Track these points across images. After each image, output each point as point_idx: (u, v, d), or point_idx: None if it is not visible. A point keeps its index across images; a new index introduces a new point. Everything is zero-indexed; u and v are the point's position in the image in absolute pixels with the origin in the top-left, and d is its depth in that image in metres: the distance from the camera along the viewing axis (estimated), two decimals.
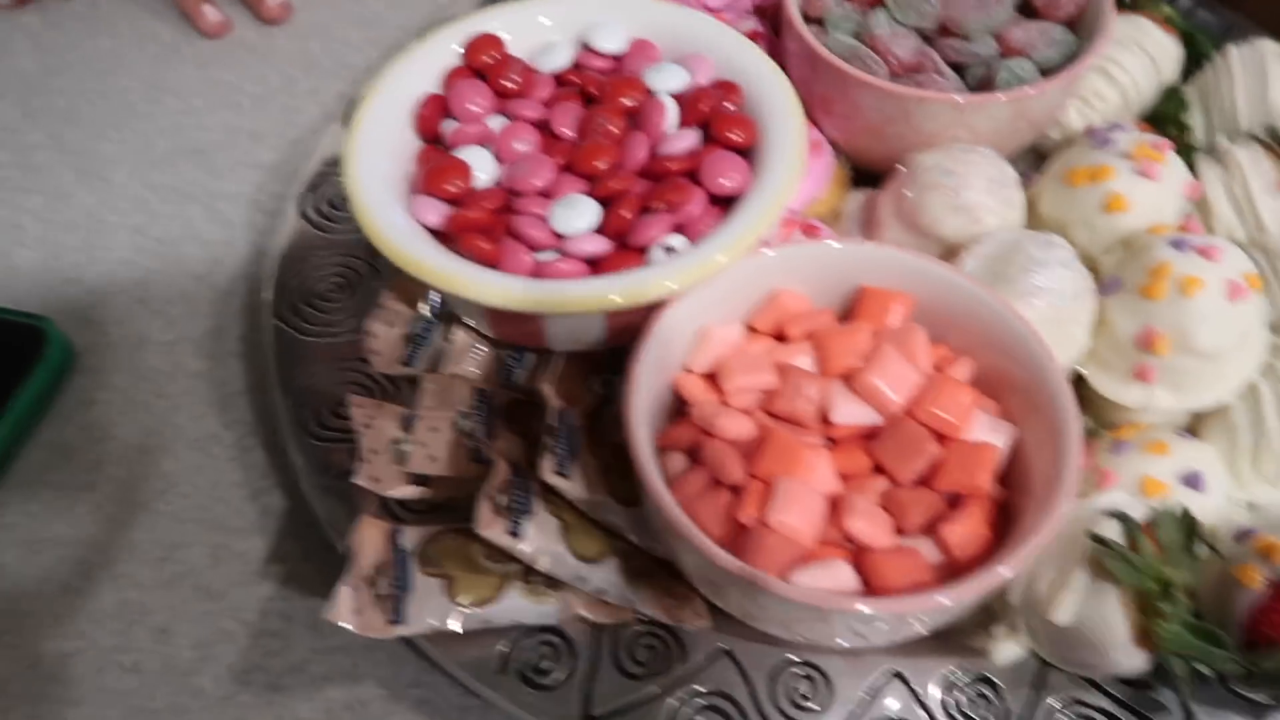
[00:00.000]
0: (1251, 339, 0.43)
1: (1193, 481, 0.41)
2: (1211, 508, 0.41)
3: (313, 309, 0.51)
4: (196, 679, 0.44)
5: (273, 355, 0.49)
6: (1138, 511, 0.39)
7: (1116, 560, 0.36)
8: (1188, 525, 0.38)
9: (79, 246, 0.59)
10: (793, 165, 0.43)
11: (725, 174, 0.43)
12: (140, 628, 0.45)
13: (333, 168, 0.57)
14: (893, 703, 0.40)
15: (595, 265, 0.42)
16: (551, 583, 0.40)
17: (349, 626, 0.38)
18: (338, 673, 0.44)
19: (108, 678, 0.44)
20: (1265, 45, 0.53)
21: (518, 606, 0.40)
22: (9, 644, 0.44)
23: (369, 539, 0.41)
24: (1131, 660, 0.38)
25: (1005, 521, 0.40)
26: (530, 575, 0.40)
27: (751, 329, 0.45)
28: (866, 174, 0.56)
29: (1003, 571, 0.35)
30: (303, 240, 0.54)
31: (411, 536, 0.41)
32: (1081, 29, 0.54)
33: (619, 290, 0.40)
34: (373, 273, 0.53)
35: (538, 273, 0.42)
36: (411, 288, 0.50)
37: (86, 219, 0.60)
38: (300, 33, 0.71)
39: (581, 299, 0.40)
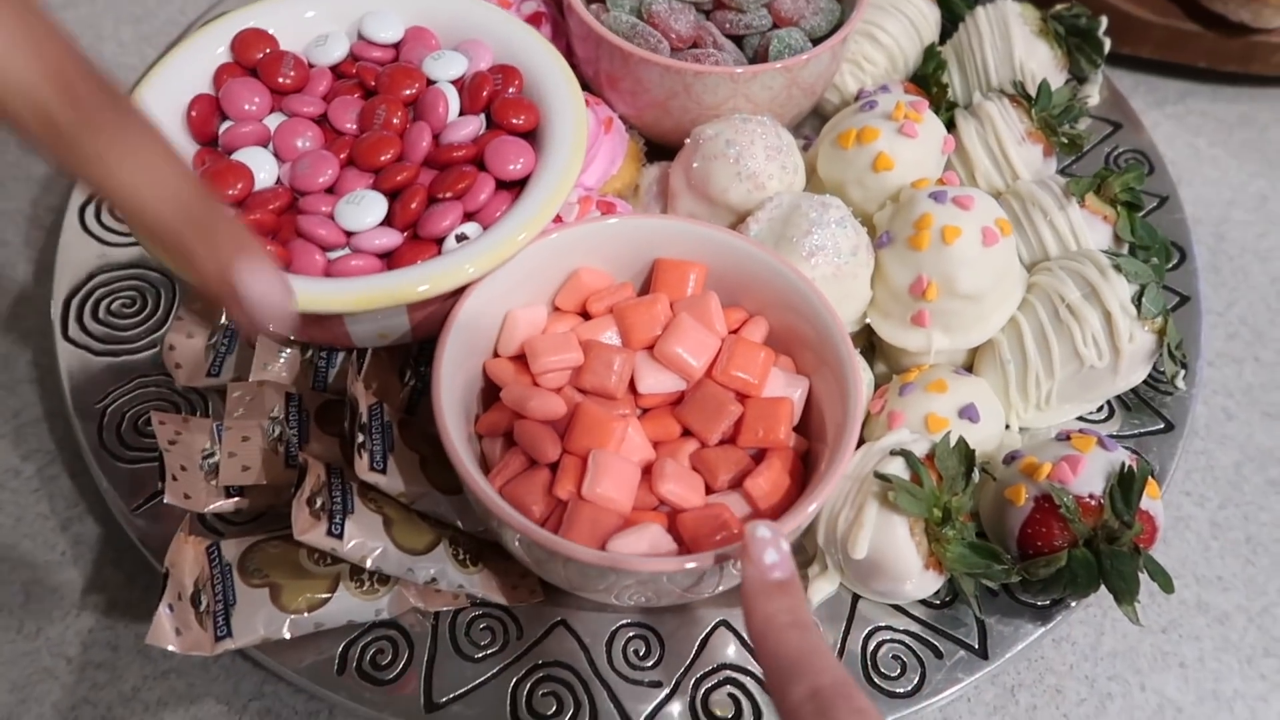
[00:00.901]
0: (1009, 279, 0.48)
1: (969, 414, 0.45)
2: (985, 436, 0.46)
3: (105, 326, 0.49)
4: None
5: (66, 377, 0.47)
6: (922, 447, 0.43)
7: (902, 493, 0.40)
8: (964, 455, 0.42)
9: None
10: (576, 145, 0.44)
11: (511, 159, 0.44)
12: None
13: None
14: (721, 652, 0.43)
15: (389, 259, 0.43)
16: (381, 578, 0.41)
17: (172, 648, 0.37)
18: (173, 696, 0.43)
19: None
20: (1008, 6, 0.58)
21: (349, 606, 0.40)
22: None
23: (186, 556, 0.40)
24: (926, 584, 0.42)
25: (806, 469, 0.43)
26: (359, 573, 0.41)
27: (556, 308, 0.46)
28: (660, 148, 0.58)
29: (800, 515, 0.38)
30: (87, 255, 0.51)
31: (231, 549, 0.41)
32: None
33: (422, 281, 0.40)
34: (166, 284, 0.51)
35: (330, 271, 0.41)
36: None
37: None
38: (69, 30, 0.66)
39: (379, 294, 0.40)
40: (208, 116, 0.45)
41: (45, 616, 0.45)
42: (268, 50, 0.46)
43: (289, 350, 0.47)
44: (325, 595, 0.40)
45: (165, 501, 0.41)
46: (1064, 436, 0.44)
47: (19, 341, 0.53)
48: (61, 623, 0.45)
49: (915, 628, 0.43)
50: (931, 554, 0.41)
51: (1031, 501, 0.41)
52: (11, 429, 0.50)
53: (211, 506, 0.42)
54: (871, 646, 0.43)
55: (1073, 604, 0.44)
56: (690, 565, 0.36)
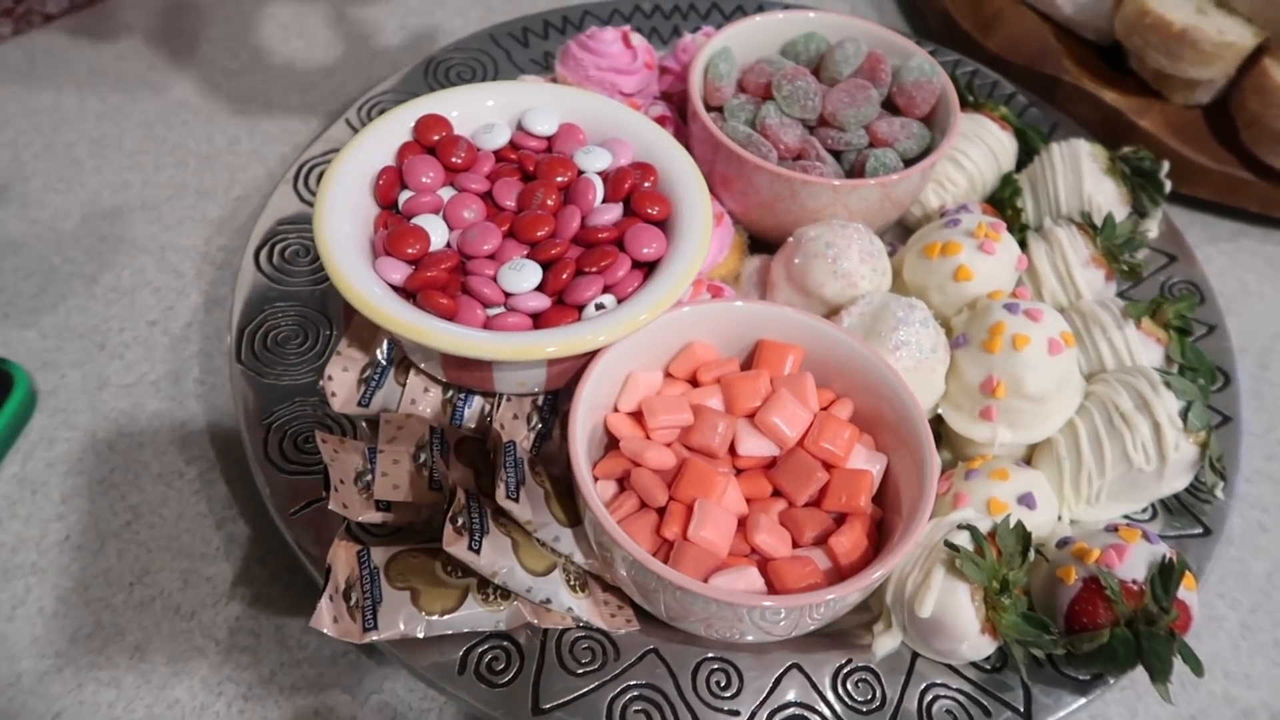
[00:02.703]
0: (1070, 385, 0.54)
1: (1027, 501, 0.51)
2: (1041, 522, 0.51)
3: (271, 353, 0.56)
4: (171, 691, 0.48)
5: (238, 396, 0.54)
6: (984, 525, 0.48)
7: (967, 562, 0.45)
8: (1022, 536, 0.48)
9: (33, 294, 0.62)
10: (703, 236, 0.52)
11: (646, 243, 0.51)
12: (116, 646, 0.49)
13: (284, 226, 0.62)
14: (793, 690, 0.48)
15: (537, 319, 0.50)
16: (503, 594, 0.47)
17: (329, 632, 0.43)
18: (304, 683, 0.49)
19: (86, 693, 0.47)
20: (1080, 145, 0.66)
21: (475, 614, 0.46)
22: None
23: (341, 558, 0.46)
24: (980, 647, 0.47)
25: (880, 535, 0.49)
26: (485, 587, 0.46)
27: (669, 375, 0.53)
28: (760, 242, 0.65)
29: (878, 573, 0.43)
30: (259, 291, 0.59)
31: (378, 555, 0.47)
32: (934, 124, 0.65)
33: (559, 341, 0.47)
34: (324, 321, 0.58)
35: (489, 325, 0.49)
36: (366, 336, 0.56)
37: (40, 266, 0.63)
38: (242, 97, 0.76)
39: (527, 349, 0.47)
40: (391, 185, 0.53)
41: (199, 602, 0.51)
42: (444, 133, 0.54)
43: (433, 390, 0.54)
44: (456, 604, 0.46)
45: (329, 508, 0.47)
46: (1112, 528, 0.49)
47: (188, 361, 0.60)
48: (213, 609, 0.51)
49: (967, 688, 0.48)
50: (988, 620, 0.46)
51: (1080, 582, 0.47)
52: (179, 436, 0.57)
53: (363, 517, 0.48)
54: (927, 700, 0.48)
55: (1111, 681, 0.48)
56: (785, 605, 0.42)
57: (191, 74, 0.76)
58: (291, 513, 0.50)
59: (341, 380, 0.55)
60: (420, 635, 0.45)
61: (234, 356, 0.56)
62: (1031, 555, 0.48)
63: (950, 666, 0.49)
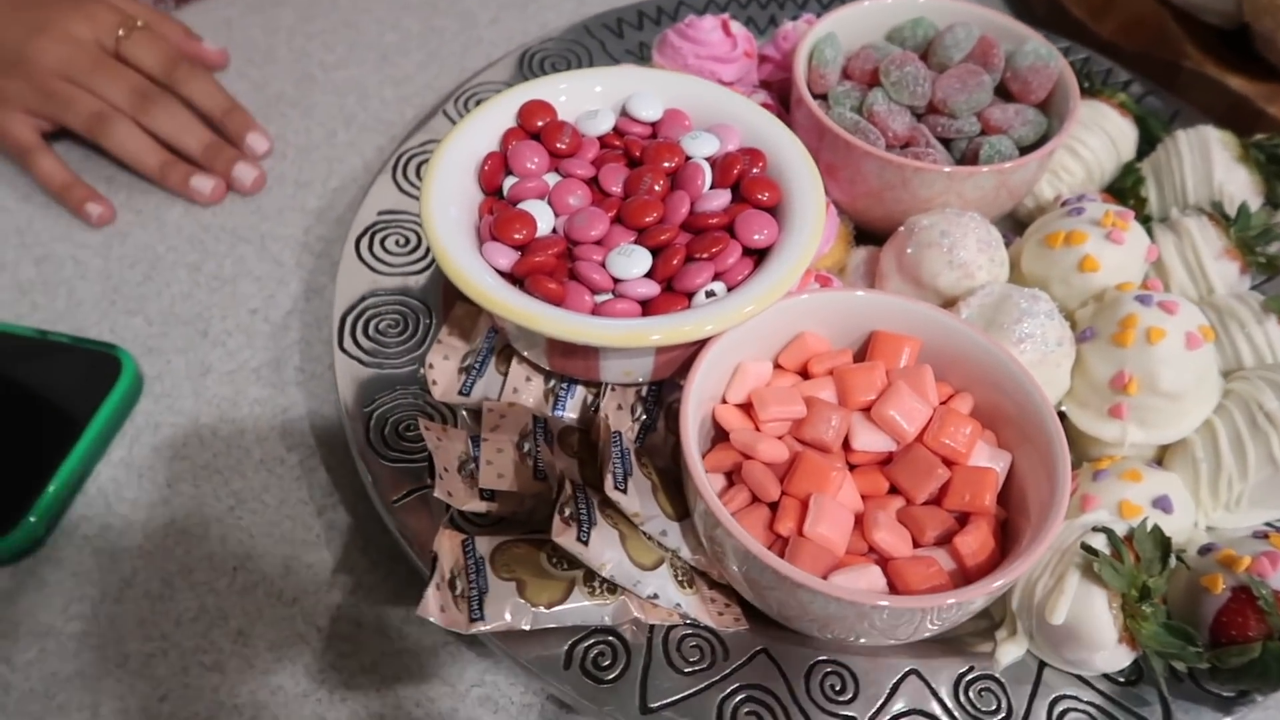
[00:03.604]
0: (1207, 382, 0.51)
1: (1163, 504, 0.48)
2: (1178, 528, 0.48)
3: (373, 342, 0.56)
4: (275, 677, 0.48)
5: (340, 384, 0.54)
6: (1119, 529, 0.45)
7: (1105, 567, 0.42)
8: (1161, 540, 0.45)
9: (139, 281, 0.63)
10: (816, 222, 0.50)
11: (758, 229, 0.49)
12: (219, 631, 0.49)
13: (384, 215, 0.62)
14: (910, 698, 0.45)
15: (646, 307, 0.48)
16: (610, 588, 0.45)
17: (436, 621, 0.43)
18: (406, 673, 0.48)
19: (191, 676, 0.47)
20: (1209, 132, 0.62)
21: (582, 608, 0.44)
22: (94, 644, 0.48)
23: (446, 547, 0.45)
24: (1117, 657, 0.44)
25: (1004, 537, 0.46)
26: (590, 580, 0.45)
27: (779, 366, 0.51)
28: (866, 233, 0.63)
29: (1009, 576, 0.41)
30: (360, 280, 0.59)
31: (483, 545, 0.46)
32: (1051, 111, 0.62)
33: (666, 329, 0.45)
34: (424, 310, 0.58)
35: (597, 312, 0.47)
36: (467, 324, 0.56)
37: (145, 254, 0.64)
38: (339, 89, 0.76)
39: (636, 335, 0.45)
40: (496, 171, 0.52)
41: (301, 589, 0.51)
42: (548, 119, 0.54)
43: (535, 379, 0.53)
44: (563, 596, 0.44)
45: (434, 495, 0.46)
46: (1262, 535, 0.46)
47: (289, 349, 0.60)
48: (314, 596, 0.50)
49: (1100, 700, 0.45)
50: (1126, 629, 0.43)
51: (1229, 591, 0.43)
52: (280, 423, 0.57)
53: (468, 506, 0.47)
54: (1057, 712, 0.45)
55: (1259, 699, 0.45)
56: (910, 607, 0.40)
57: (289, 67, 0.77)
58: (394, 501, 0.49)
59: (442, 368, 0.54)
60: (527, 627, 0.44)
61: (336, 343, 0.55)
62: (1172, 561, 0.45)
63: (1081, 678, 0.46)
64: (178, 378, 0.58)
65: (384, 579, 0.51)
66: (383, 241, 0.61)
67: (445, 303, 0.57)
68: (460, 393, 0.53)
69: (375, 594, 0.51)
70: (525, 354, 0.52)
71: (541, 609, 0.44)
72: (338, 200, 0.69)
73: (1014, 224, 0.66)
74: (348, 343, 0.56)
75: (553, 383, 0.53)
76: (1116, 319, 0.51)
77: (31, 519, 0.50)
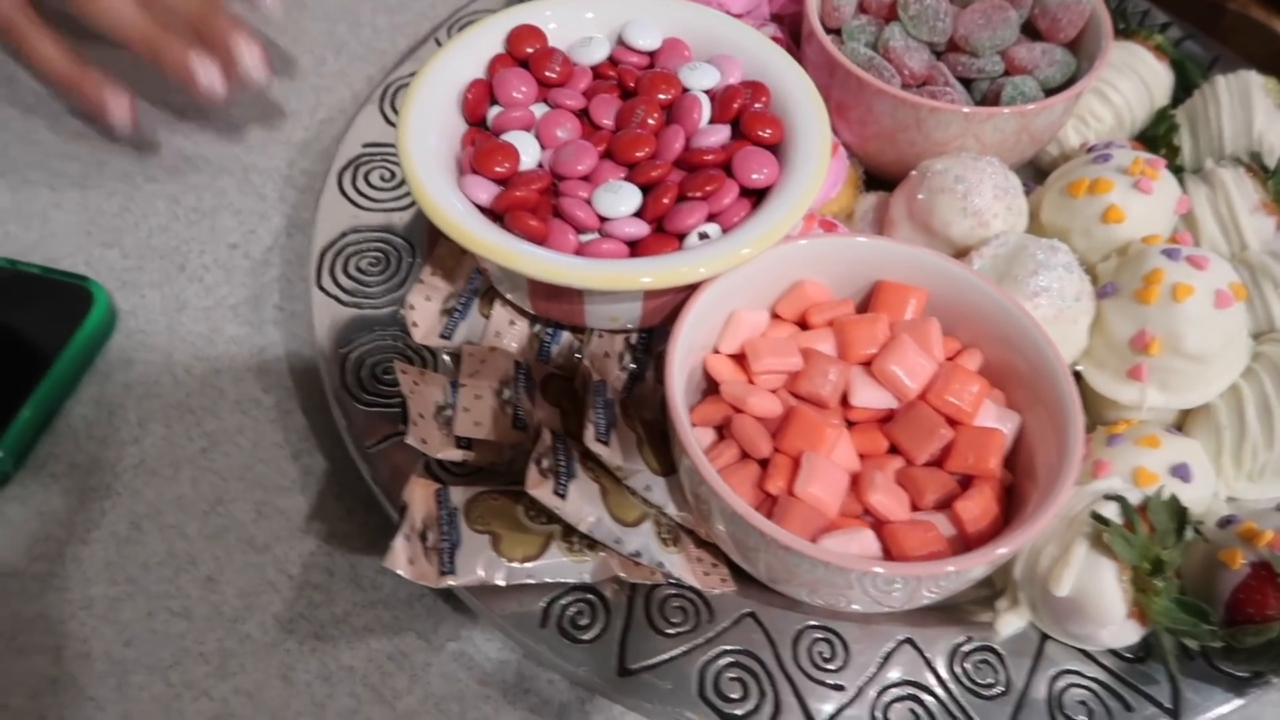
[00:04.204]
0: (1236, 344, 0.47)
1: (1181, 473, 0.45)
2: (1196, 498, 0.45)
3: (353, 280, 0.53)
4: (243, 625, 0.46)
5: (317, 323, 0.51)
6: (1133, 498, 0.43)
7: (1116, 537, 0.40)
8: (1177, 511, 0.42)
9: (116, 212, 0.60)
10: (819, 162, 0.46)
11: (757, 168, 0.46)
12: (188, 576, 0.47)
13: (369, 148, 0.59)
14: (904, 668, 0.43)
15: (634, 247, 0.45)
16: (590, 544, 0.43)
17: (404, 574, 0.40)
18: (378, 625, 0.46)
19: (157, 621, 0.46)
20: (1251, 77, 0.58)
21: (559, 564, 0.42)
22: (59, 586, 0.46)
23: (418, 496, 0.43)
24: (1125, 633, 0.41)
25: (1009, 503, 0.44)
26: (569, 535, 0.43)
27: (776, 315, 0.48)
28: (877, 179, 0.59)
29: (1012, 545, 0.38)
30: (341, 216, 0.56)
31: (457, 495, 0.44)
32: (1081, 51, 0.58)
33: (655, 271, 0.43)
34: (409, 249, 0.55)
35: (581, 252, 0.44)
36: (450, 264, 0.53)
37: (123, 185, 0.62)
38: (330, 15, 0.73)
39: (621, 278, 0.42)
40: (480, 100, 0.49)
41: (273, 535, 0.49)
42: (538, 46, 0.50)
43: (519, 323, 0.50)
44: (539, 551, 0.42)
45: (407, 441, 0.44)
46: None
47: (268, 286, 0.58)
48: (286, 543, 0.48)
49: (1104, 677, 0.43)
50: (1136, 604, 0.41)
51: (1248, 567, 0.41)
52: (256, 363, 0.55)
53: (443, 454, 0.45)
54: (1058, 687, 0.43)
55: (1274, 680, 0.42)
56: (904, 574, 0.37)
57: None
58: (368, 447, 0.47)
59: (424, 310, 0.51)
60: (501, 583, 0.42)
61: (314, 281, 0.53)
62: (1189, 534, 0.42)
63: (1085, 653, 0.44)
64: (152, 313, 0.56)
65: (359, 527, 0.49)
66: (366, 175, 0.58)
67: (429, 241, 0.54)
68: (441, 335, 0.51)
69: (349, 542, 0.49)
70: (509, 297, 0.49)
71: (516, 564, 0.42)
72: (324, 132, 0.66)
73: (1036, 173, 0.62)
74: (326, 280, 0.53)
75: (538, 327, 0.50)
76: (1140, 274, 0.47)
77: None
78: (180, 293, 0.57)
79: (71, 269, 0.56)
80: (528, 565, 0.42)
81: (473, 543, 0.42)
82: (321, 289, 0.53)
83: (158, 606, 0.46)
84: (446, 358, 0.51)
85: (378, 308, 0.52)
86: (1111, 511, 0.41)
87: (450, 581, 0.41)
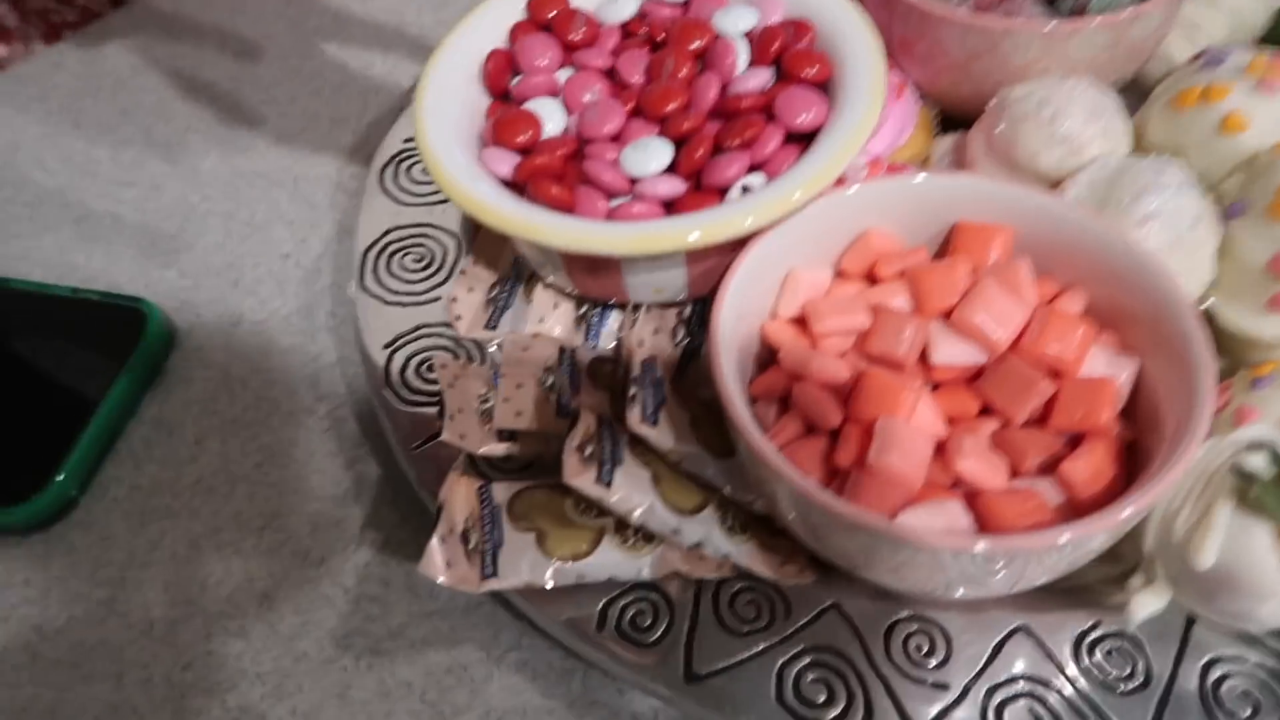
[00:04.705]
0: None
1: None
2: None
3: (396, 278, 0.51)
4: (300, 643, 0.44)
5: (361, 324, 0.49)
6: None
7: (1267, 493, 0.33)
8: None
9: (174, 234, 0.60)
10: (872, 97, 0.41)
11: (801, 109, 0.41)
12: (244, 594, 0.45)
13: (411, 143, 0.57)
14: (1021, 660, 0.37)
15: (671, 208, 0.41)
16: (646, 537, 0.39)
17: (441, 580, 0.38)
18: (436, 637, 0.44)
19: (215, 643, 0.44)
20: None
21: (613, 560, 0.39)
22: (120, 611, 0.45)
23: (459, 495, 0.40)
24: None
25: (1131, 462, 0.37)
26: (623, 528, 0.39)
27: (840, 273, 0.43)
28: (953, 121, 0.53)
29: (1135, 506, 0.32)
30: (384, 214, 0.54)
31: (500, 492, 0.40)
32: None
33: (695, 227, 0.38)
34: (453, 242, 0.53)
35: (612, 217, 0.41)
36: (492, 252, 0.50)
37: (180, 206, 0.61)
38: (375, 19, 0.71)
39: (656, 238, 0.38)
40: (502, 70, 0.46)
41: (328, 548, 0.47)
42: (559, 8, 0.47)
43: (564, 305, 0.47)
44: (589, 547, 0.39)
45: (443, 438, 0.41)
46: None
47: (320, 294, 0.56)
48: (342, 555, 0.46)
49: (1271, 661, 0.36)
50: None
51: None
52: (310, 371, 0.53)
53: (484, 449, 0.42)
54: (1213, 678, 0.36)
55: None
56: (1003, 549, 0.32)
57: (325, 2, 0.73)
58: (414, 448, 0.45)
59: (467, 302, 0.49)
60: (549, 584, 0.38)
61: (357, 281, 0.51)
62: None
63: (1244, 634, 0.37)
64: (209, 330, 0.55)
65: (414, 534, 0.47)
66: (409, 170, 0.56)
67: (472, 230, 0.52)
68: (487, 327, 0.48)
69: (404, 550, 0.46)
70: (549, 279, 0.46)
71: (564, 563, 0.38)
72: (374, 135, 0.64)
73: (1140, 97, 0.55)
74: (369, 281, 0.51)
75: (584, 309, 0.47)
76: (1273, 186, 0.40)
77: (60, 478, 0.48)
78: (235, 307, 0.56)
79: (133, 293, 0.56)
80: (577, 564, 0.38)
81: (516, 542, 0.38)
82: (365, 289, 0.51)
83: (215, 627, 0.45)
84: (494, 350, 0.48)
85: (421, 304, 0.50)
86: (1259, 464, 0.34)
87: (494, 585, 0.38)
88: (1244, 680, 0.36)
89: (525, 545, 0.38)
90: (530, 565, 0.38)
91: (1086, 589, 0.40)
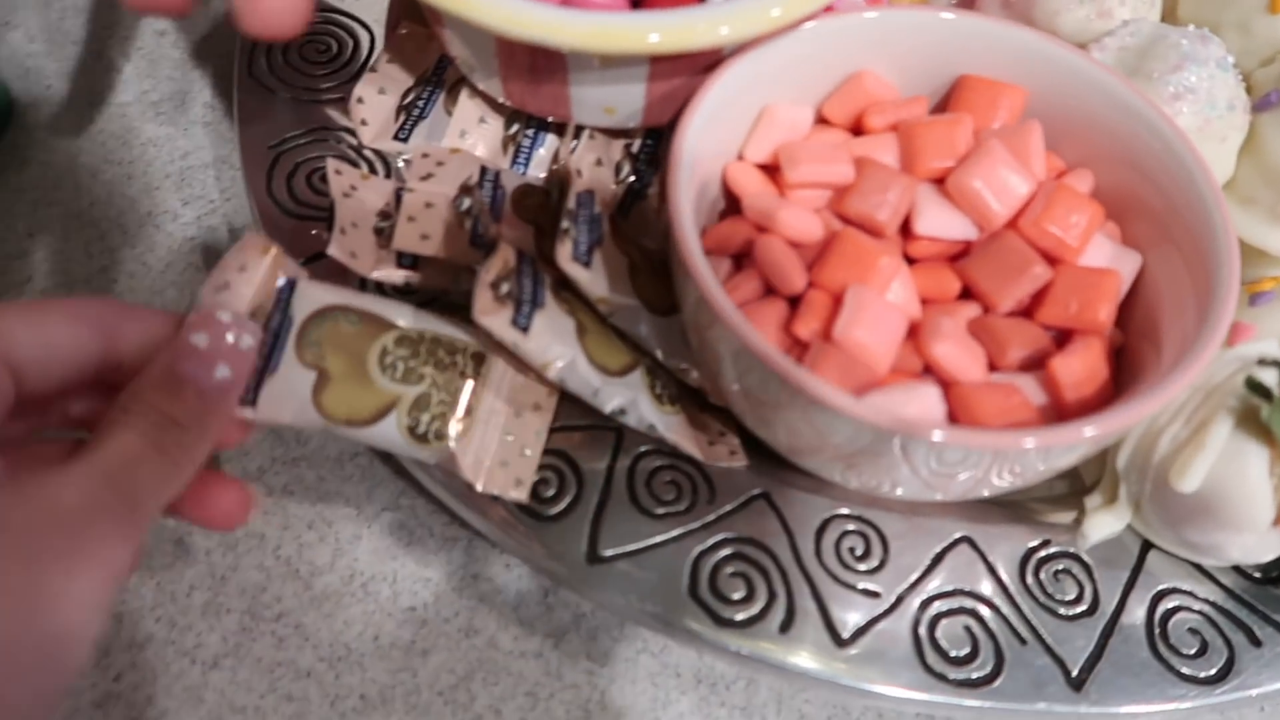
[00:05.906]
0: None
1: None
2: None
3: (292, 68, 0.43)
4: None
5: (240, 118, 0.41)
6: None
7: (1277, 415, 0.29)
8: None
9: None
10: None
11: None
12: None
13: None
14: (958, 573, 0.33)
15: (637, 5, 0.34)
16: (437, 434, 0.31)
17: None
18: (300, 486, 0.37)
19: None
20: None
21: (393, 442, 0.31)
22: None
23: (257, 269, 0.30)
24: (1265, 544, 0.31)
25: (1120, 369, 0.33)
26: (417, 410, 0.31)
27: (823, 119, 0.37)
28: None
29: (1140, 411, 0.28)
30: None
31: (303, 300, 0.31)
32: None
33: (657, 28, 0.31)
34: (366, 33, 0.44)
35: (569, 4, 0.33)
36: (412, 49, 0.42)
37: None
38: None
39: (612, 33, 0.31)
40: None
41: None
42: None
43: (492, 121, 0.39)
44: (370, 416, 0.31)
45: (329, 252, 0.34)
46: None
47: (199, 80, 0.48)
48: None
49: (1222, 599, 0.33)
50: None
51: None
52: (177, 169, 0.45)
53: (378, 273, 0.35)
54: (1161, 610, 0.33)
55: None
56: (981, 446, 0.27)
57: None
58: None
59: (376, 105, 0.41)
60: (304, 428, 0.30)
61: (242, 66, 0.42)
62: None
63: (1200, 568, 0.33)
64: (57, 107, 0.46)
65: None
66: None
67: (391, 15, 0.43)
68: (396, 137, 0.40)
69: None
70: (480, 86, 0.38)
71: (335, 425, 0.30)
72: None
73: None
74: (259, 69, 0.42)
75: (515, 128, 0.39)
76: None
77: None
78: (93, 84, 0.47)
79: None
80: (350, 430, 0.31)
81: (291, 376, 0.30)
82: (252, 78, 0.42)
83: None
84: (401, 165, 0.40)
85: (321, 102, 0.42)
86: (1272, 379, 0.30)
87: (248, 414, 0.30)
88: (1194, 616, 0.33)
89: (299, 384, 0.30)
90: (295, 412, 0.30)
91: (1024, 507, 0.36)
